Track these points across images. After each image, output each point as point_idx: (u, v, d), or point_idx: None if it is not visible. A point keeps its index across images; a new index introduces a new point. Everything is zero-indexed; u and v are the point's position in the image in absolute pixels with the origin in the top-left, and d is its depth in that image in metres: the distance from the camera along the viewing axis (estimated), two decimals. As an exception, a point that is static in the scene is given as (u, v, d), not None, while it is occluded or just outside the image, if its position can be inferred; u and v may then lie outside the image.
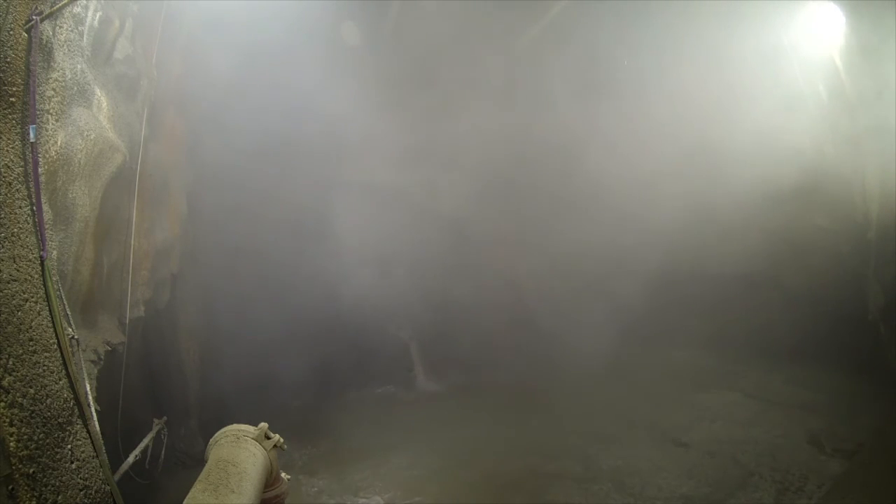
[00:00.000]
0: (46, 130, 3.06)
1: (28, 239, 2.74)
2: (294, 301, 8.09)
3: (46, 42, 2.99)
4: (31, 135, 2.78)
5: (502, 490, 5.35)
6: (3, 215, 2.55)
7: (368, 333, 9.36)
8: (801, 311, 7.04)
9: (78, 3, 3.46)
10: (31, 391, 2.51)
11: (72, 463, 2.74)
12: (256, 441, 3.28)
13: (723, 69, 7.14)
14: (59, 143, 3.19)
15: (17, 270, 2.60)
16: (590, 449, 6.08)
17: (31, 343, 2.59)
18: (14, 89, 2.70)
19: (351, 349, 9.16)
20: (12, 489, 2.27)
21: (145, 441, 4.58)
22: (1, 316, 2.40)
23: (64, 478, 2.64)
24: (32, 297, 2.69)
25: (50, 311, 2.83)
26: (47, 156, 3.05)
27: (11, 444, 2.30)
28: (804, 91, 6.54)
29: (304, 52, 7.05)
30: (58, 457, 2.62)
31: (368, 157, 9.29)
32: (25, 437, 2.40)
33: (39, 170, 2.85)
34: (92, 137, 3.58)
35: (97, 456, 3.02)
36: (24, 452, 2.37)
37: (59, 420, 2.70)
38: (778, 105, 6.71)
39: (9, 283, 2.51)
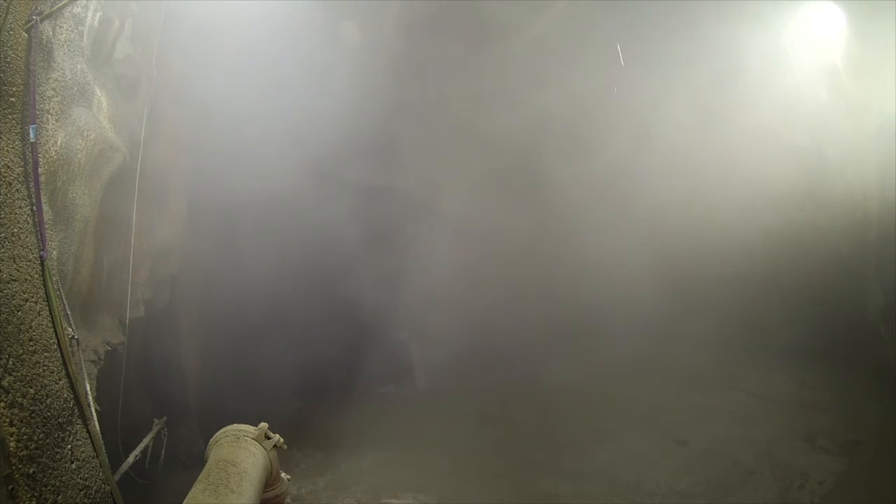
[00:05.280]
0: (46, 130, 3.06)
1: (28, 239, 2.74)
2: (295, 301, 8.10)
3: (46, 42, 2.99)
4: (31, 135, 2.78)
5: (494, 482, 5.43)
6: (3, 215, 2.55)
7: (369, 333, 9.37)
8: (801, 310, 7.04)
9: (78, 3, 3.46)
10: (31, 391, 2.51)
11: (72, 463, 2.74)
12: (256, 441, 3.28)
13: (723, 69, 7.14)
14: (59, 143, 3.19)
15: (17, 270, 2.60)
16: (587, 445, 6.10)
17: (31, 343, 2.59)
18: (14, 89, 2.70)
19: (351, 349, 9.17)
20: (12, 489, 2.27)
21: (145, 441, 4.58)
22: (1, 316, 2.40)
23: (64, 478, 2.63)
24: (32, 297, 2.69)
25: (50, 311, 2.83)
26: (47, 156, 3.05)
27: (11, 444, 2.30)
28: (804, 91, 6.54)
29: (305, 51, 7.04)
30: (58, 457, 2.62)
31: (368, 157, 9.28)
32: (25, 437, 2.39)
33: (39, 170, 2.85)
34: (92, 137, 3.58)
35: (97, 456, 3.02)
36: (24, 452, 2.37)
37: (59, 420, 2.70)
38: (778, 105, 6.71)
39: (9, 283, 2.51)
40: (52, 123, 3.12)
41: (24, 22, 2.78)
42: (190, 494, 2.67)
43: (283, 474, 3.53)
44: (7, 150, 2.64)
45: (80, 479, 2.79)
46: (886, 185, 5.95)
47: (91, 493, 2.87)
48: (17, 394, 2.40)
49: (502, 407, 7.74)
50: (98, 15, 3.76)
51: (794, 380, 6.79)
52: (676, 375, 7.74)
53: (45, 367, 2.67)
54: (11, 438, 2.30)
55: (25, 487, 2.33)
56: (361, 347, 9.28)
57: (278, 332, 8.12)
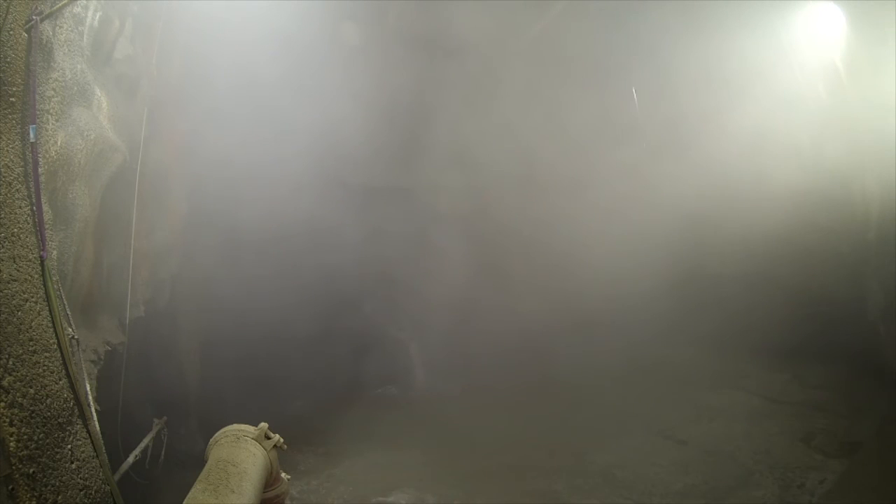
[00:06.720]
0: (46, 130, 3.06)
1: (28, 239, 2.74)
2: (294, 302, 8.09)
3: (46, 42, 2.99)
4: (31, 135, 2.78)
5: (492, 480, 5.46)
6: (3, 215, 2.55)
7: (369, 333, 9.36)
8: (800, 310, 7.03)
9: (78, 3, 3.46)
10: (31, 391, 2.51)
11: (72, 463, 2.74)
12: (256, 441, 3.28)
13: (723, 68, 7.13)
14: (59, 143, 3.19)
15: (17, 270, 2.60)
16: (584, 444, 6.12)
17: (31, 343, 2.59)
18: (14, 89, 2.70)
19: (351, 350, 9.17)
20: (12, 489, 2.27)
21: (145, 441, 4.57)
22: (1, 316, 2.40)
23: (64, 478, 2.64)
24: (32, 297, 2.69)
25: (50, 311, 2.83)
26: (47, 156, 3.05)
27: (11, 444, 2.30)
28: (804, 91, 6.53)
29: (307, 50, 7.05)
30: (58, 457, 2.62)
31: (367, 157, 9.28)
32: (25, 437, 2.40)
33: (39, 170, 2.85)
34: (92, 137, 3.58)
35: (97, 456, 3.02)
36: (24, 452, 2.37)
37: (59, 420, 2.70)
38: (778, 105, 6.71)
39: (9, 283, 2.51)
40: (52, 123, 3.12)
41: (24, 22, 2.78)
42: (190, 494, 2.67)
43: (283, 474, 3.53)
44: (7, 150, 2.64)
45: (80, 479, 2.79)
46: (886, 185, 5.94)
47: (91, 493, 2.87)
48: (17, 394, 2.40)
49: (500, 406, 7.75)
50: (98, 15, 3.76)
51: (793, 379, 6.79)
52: (675, 374, 7.75)
53: (45, 367, 2.67)
54: (11, 438, 2.30)
55: (25, 487, 2.34)
56: (362, 347, 9.28)
57: (279, 332, 8.12)
